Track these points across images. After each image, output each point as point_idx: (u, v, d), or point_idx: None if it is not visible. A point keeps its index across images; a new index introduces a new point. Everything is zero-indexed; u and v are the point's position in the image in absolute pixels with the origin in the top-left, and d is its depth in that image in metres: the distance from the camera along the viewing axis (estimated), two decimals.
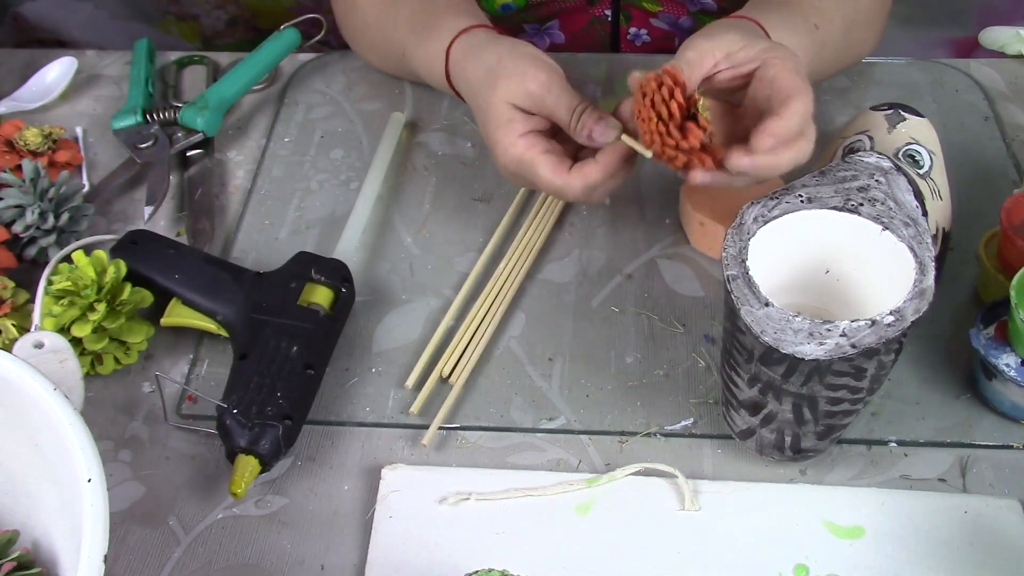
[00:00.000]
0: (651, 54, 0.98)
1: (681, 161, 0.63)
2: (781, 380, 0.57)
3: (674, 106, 0.61)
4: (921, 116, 0.73)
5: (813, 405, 0.58)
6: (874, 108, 0.74)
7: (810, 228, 0.62)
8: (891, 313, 0.55)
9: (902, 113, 0.72)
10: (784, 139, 0.61)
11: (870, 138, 0.71)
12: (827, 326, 0.55)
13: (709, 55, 0.65)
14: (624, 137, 0.66)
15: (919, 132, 0.72)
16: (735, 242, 0.60)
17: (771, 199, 0.62)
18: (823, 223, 0.61)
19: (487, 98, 0.69)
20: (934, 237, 0.68)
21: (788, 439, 0.62)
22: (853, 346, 0.54)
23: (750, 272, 0.58)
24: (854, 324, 0.55)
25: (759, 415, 0.61)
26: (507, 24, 0.97)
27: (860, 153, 0.65)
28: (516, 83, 0.68)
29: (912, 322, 0.55)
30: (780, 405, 0.59)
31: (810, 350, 0.54)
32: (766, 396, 0.59)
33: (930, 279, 0.57)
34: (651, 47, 0.99)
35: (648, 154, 0.63)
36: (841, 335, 0.54)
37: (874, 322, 0.55)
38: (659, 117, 0.61)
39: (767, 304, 0.56)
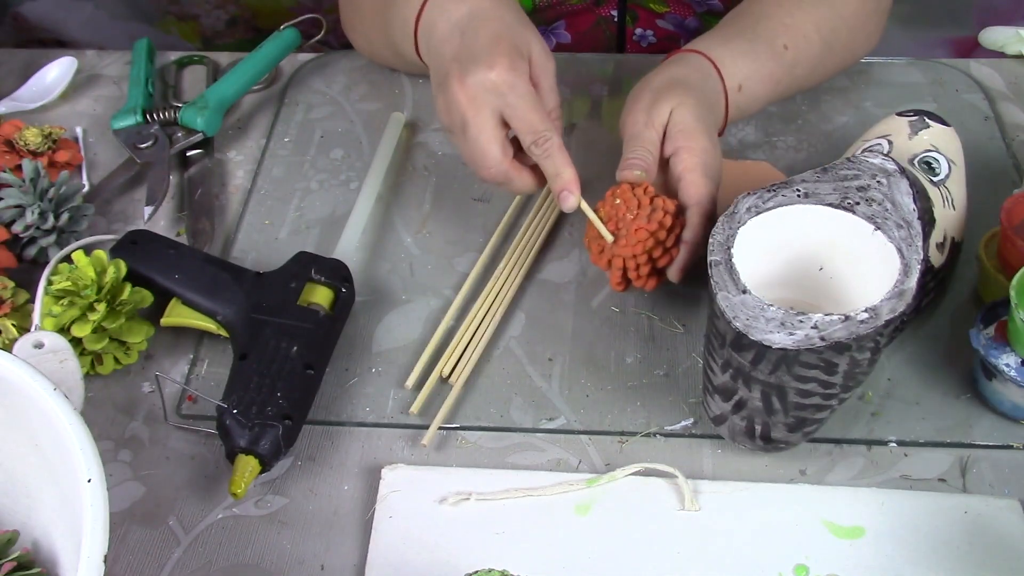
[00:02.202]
0: (657, 54, 0.98)
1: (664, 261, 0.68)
2: (750, 367, 0.57)
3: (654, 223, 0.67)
4: (947, 125, 0.72)
5: (782, 395, 0.58)
6: (900, 113, 0.73)
7: (804, 223, 0.62)
8: (865, 310, 0.55)
9: (927, 120, 0.72)
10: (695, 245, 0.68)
11: (890, 142, 0.71)
12: (800, 317, 0.55)
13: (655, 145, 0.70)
14: (586, 209, 0.68)
15: (940, 140, 0.71)
16: (724, 229, 0.60)
17: (768, 191, 0.62)
18: (817, 219, 0.61)
19: (495, 27, 0.67)
20: (940, 245, 0.68)
21: (758, 427, 0.62)
22: (822, 339, 0.54)
23: (733, 259, 0.58)
24: (826, 317, 0.55)
25: (731, 401, 0.61)
26: None
27: (866, 153, 0.65)
28: (535, 38, 0.68)
29: (887, 321, 0.55)
30: (750, 392, 0.59)
31: (778, 339, 0.54)
32: (736, 382, 0.59)
33: (912, 281, 0.57)
34: (657, 48, 0.99)
35: (610, 239, 0.68)
36: (812, 327, 0.55)
37: (847, 317, 0.55)
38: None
39: (744, 291, 0.57)
